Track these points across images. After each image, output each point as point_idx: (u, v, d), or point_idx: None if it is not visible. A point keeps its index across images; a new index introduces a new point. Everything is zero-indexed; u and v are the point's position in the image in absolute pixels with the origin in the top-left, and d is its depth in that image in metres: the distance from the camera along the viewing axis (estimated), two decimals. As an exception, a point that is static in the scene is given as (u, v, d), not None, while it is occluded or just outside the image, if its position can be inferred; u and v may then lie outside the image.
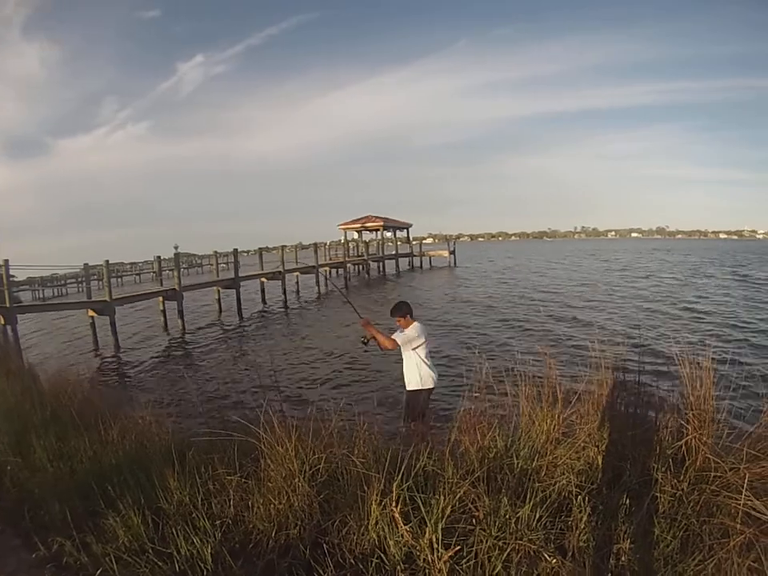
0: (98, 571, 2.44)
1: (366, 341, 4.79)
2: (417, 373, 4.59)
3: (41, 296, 36.07)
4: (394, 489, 2.45)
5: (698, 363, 3.16)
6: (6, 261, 12.45)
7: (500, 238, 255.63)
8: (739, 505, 2.43)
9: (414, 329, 4.65)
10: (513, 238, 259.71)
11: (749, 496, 2.41)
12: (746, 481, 2.46)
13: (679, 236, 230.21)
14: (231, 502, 2.78)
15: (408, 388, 4.68)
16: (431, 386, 4.63)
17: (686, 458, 2.85)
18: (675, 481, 2.71)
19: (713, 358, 3.19)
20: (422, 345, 4.62)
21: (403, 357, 4.73)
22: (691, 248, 76.32)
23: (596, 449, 2.99)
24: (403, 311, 4.71)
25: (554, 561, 2.28)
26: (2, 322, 12.64)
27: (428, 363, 4.63)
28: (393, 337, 4.58)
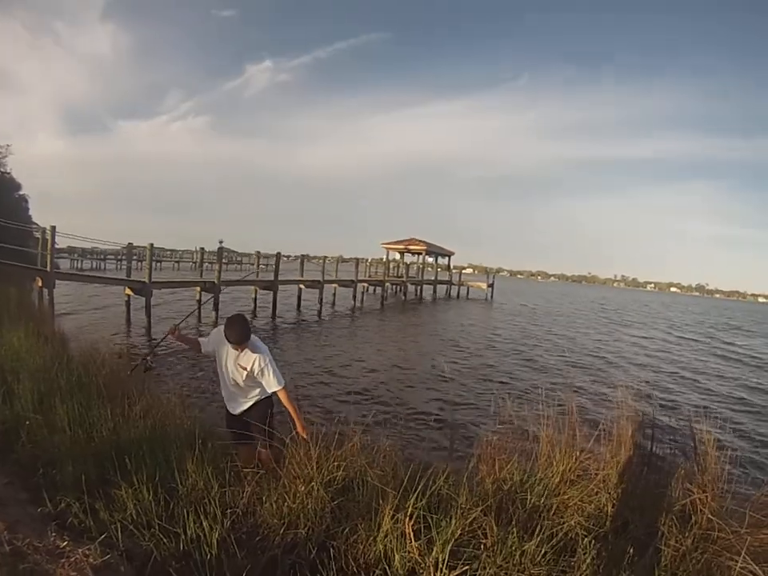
0: (102, 536, 2.43)
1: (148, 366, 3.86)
2: None
3: (78, 266, 37.06)
4: (409, 505, 2.49)
5: (699, 421, 3.40)
6: (53, 227, 12.84)
7: (539, 278, 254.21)
8: (739, 568, 2.41)
9: (268, 354, 3.46)
10: (552, 278, 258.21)
11: (748, 561, 2.39)
12: (746, 545, 2.47)
13: (717, 295, 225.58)
14: (245, 494, 2.83)
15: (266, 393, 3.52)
16: None
17: (692, 516, 2.87)
18: (680, 536, 2.71)
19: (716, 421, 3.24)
20: None
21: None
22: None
23: (608, 495, 3.01)
24: (249, 333, 3.37)
25: (554, 599, 2.28)
26: (40, 285, 13.02)
27: None
28: (277, 387, 3.38)
